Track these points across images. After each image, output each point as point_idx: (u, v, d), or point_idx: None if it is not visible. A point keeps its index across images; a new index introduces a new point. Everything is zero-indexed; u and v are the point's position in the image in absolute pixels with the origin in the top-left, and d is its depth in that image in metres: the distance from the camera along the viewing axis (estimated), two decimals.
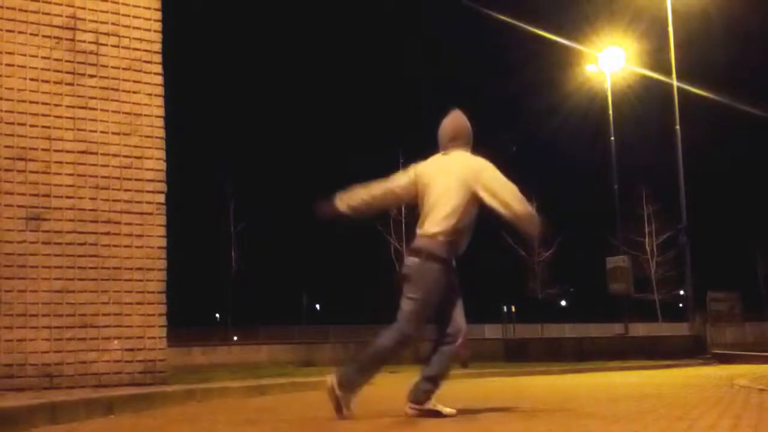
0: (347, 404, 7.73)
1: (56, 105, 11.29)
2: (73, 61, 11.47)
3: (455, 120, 8.45)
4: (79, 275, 11.16)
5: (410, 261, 8.06)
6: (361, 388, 7.90)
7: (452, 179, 8.04)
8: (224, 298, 71.92)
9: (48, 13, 11.40)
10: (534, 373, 21.56)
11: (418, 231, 8.11)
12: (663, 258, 70.95)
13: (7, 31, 11.13)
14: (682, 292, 58.38)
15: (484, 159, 8.20)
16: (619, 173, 48.75)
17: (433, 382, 8.00)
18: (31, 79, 11.18)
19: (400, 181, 8.43)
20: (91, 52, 11.60)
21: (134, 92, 11.80)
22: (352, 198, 8.46)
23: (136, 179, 11.66)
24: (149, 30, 12.06)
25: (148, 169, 11.76)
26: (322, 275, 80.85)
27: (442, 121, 8.48)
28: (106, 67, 11.67)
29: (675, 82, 40.41)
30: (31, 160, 11.03)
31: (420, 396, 7.96)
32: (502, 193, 7.97)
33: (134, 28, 11.93)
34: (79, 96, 11.43)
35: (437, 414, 7.84)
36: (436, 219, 7.97)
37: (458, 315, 8.11)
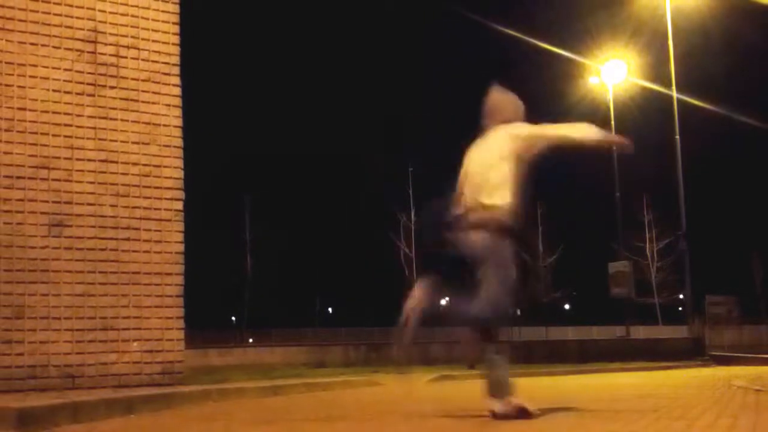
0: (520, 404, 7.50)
1: (78, 115, 11.30)
2: (94, 73, 11.49)
3: (489, 99, 8.16)
4: (100, 280, 11.17)
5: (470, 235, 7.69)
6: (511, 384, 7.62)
7: (493, 154, 7.81)
8: (240, 302, 72.06)
9: (70, 27, 11.42)
10: (538, 374, 21.49)
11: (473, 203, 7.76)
12: (663, 263, 70.93)
13: (31, 44, 11.15)
14: (681, 296, 58.28)
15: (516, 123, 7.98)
16: (621, 181, 48.65)
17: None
18: (54, 91, 11.20)
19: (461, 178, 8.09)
20: (111, 64, 11.61)
21: (153, 103, 11.82)
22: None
23: (155, 187, 11.67)
24: (168, 43, 12.07)
25: (166, 178, 11.77)
26: (334, 280, 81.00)
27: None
28: (126, 78, 11.69)
29: (675, 94, 40.37)
30: (53, 168, 11.04)
31: None
32: (558, 130, 7.94)
33: (153, 41, 11.94)
34: (100, 107, 11.45)
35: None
36: (492, 194, 7.68)
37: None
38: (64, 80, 11.29)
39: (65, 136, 11.18)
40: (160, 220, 11.67)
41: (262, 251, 70.55)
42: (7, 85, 10.96)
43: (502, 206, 7.63)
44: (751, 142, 77.81)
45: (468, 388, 14.10)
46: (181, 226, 11.85)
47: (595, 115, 57.75)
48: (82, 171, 11.21)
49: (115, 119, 11.53)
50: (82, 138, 11.28)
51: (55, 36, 11.32)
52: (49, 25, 11.29)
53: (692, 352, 32.21)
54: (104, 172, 11.35)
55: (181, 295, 11.74)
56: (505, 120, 8.03)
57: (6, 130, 10.85)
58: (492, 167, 7.74)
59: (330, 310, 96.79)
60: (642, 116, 61.25)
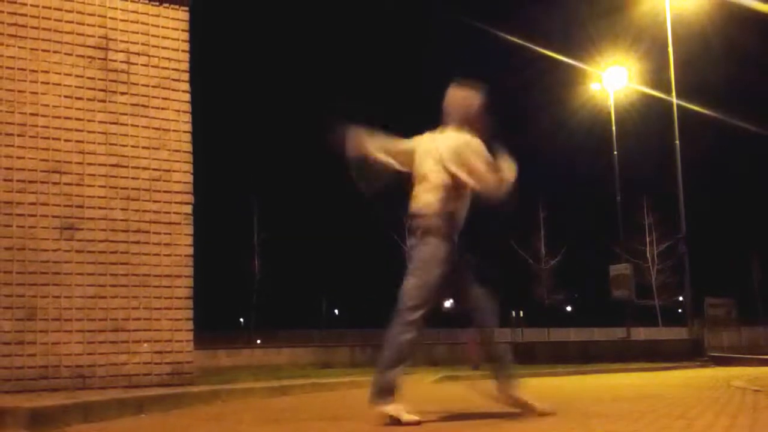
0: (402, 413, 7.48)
1: (89, 121, 11.31)
2: (105, 79, 11.49)
3: (448, 96, 8.11)
4: (111, 282, 11.17)
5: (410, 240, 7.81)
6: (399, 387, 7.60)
7: (433, 160, 7.82)
8: (248, 304, 72.11)
9: (81, 34, 11.43)
10: (541, 375, 21.48)
11: (411, 210, 7.89)
12: (663, 266, 70.87)
13: (43, 50, 11.16)
14: (681, 298, 58.28)
15: (467, 137, 7.85)
16: (621, 185, 48.66)
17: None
18: (66, 96, 11.20)
19: (406, 145, 8.14)
20: (122, 71, 11.62)
21: (163, 109, 11.82)
22: (377, 143, 8.10)
23: (165, 191, 11.67)
24: (177, 50, 12.07)
25: (176, 182, 11.77)
26: (340, 282, 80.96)
27: None
28: (137, 84, 11.69)
29: (674, 100, 40.37)
30: (65, 172, 11.04)
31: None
32: (480, 171, 7.66)
33: (163, 47, 11.95)
34: (110, 112, 11.45)
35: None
36: (423, 202, 7.78)
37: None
38: (76, 86, 11.30)
39: (77, 141, 11.18)
40: (170, 223, 11.67)
41: (269, 254, 70.68)
42: (19, 91, 10.97)
43: (429, 215, 7.69)
44: (749, 147, 77.91)
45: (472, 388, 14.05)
46: (190, 230, 11.85)
47: (597, 120, 57.98)
48: (93, 175, 11.22)
49: (126, 124, 11.54)
50: (93, 143, 11.29)
51: (66, 43, 11.33)
52: (60, 32, 11.31)
53: (692, 353, 32.18)
54: (115, 177, 11.36)
55: (191, 297, 11.74)
56: (457, 122, 8.00)
57: (18, 135, 10.86)
58: (431, 171, 7.79)
59: (336, 311, 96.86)
60: (642, 122, 61.43)
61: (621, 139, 52.48)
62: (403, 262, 65.74)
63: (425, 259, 7.73)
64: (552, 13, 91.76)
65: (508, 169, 7.83)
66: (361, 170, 8.03)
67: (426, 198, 7.80)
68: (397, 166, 8.15)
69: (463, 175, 7.68)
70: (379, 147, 8.13)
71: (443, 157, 7.77)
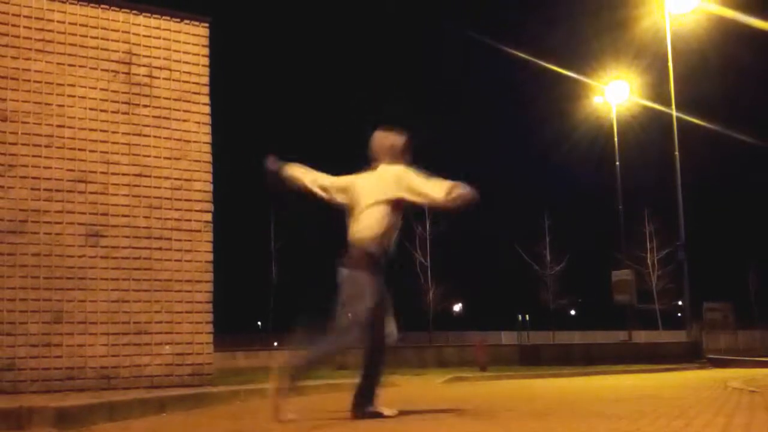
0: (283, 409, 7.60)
1: (113, 132, 11.32)
2: (128, 93, 11.51)
3: (374, 142, 8.13)
4: (134, 287, 11.18)
5: (342, 271, 7.85)
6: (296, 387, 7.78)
7: (375, 192, 7.82)
8: (265, 308, 72.02)
9: (106, 49, 11.45)
10: (546, 376, 21.48)
11: (349, 239, 7.91)
12: (663, 272, 70.58)
13: (69, 65, 11.18)
14: (680, 303, 58.07)
15: (401, 166, 7.91)
16: (623, 195, 48.56)
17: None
18: (91, 109, 11.22)
19: (338, 182, 8.18)
20: (145, 85, 11.64)
21: (184, 121, 11.83)
22: (298, 172, 8.28)
23: (186, 200, 11.68)
24: (198, 64, 12.09)
25: (196, 191, 11.78)
26: None
27: None
28: (159, 98, 11.71)
29: (674, 113, 40.28)
30: (90, 182, 11.06)
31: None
32: (425, 188, 7.68)
33: (184, 62, 11.97)
34: (134, 124, 11.47)
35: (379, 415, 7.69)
36: (362, 228, 7.78)
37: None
38: (101, 99, 11.32)
39: (101, 152, 11.20)
40: (191, 230, 11.68)
41: (286, 260, 70.62)
42: (46, 104, 10.99)
43: (367, 240, 7.71)
44: (745, 157, 77.83)
45: (478, 389, 14.06)
46: (210, 237, 11.86)
47: (600, 132, 57.92)
48: (117, 185, 11.24)
49: (148, 136, 11.56)
50: (117, 153, 11.31)
51: (92, 58, 11.35)
52: (86, 47, 11.33)
53: (690, 356, 32.11)
54: (138, 186, 11.38)
55: (211, 302, 11.75)
56: (389, 160, 8.01)
57: (46, 146, 10.89)
58: (370, 206, 7.76)
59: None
60: (643, 133, 61.28)
61: (623, 150, 52.35)
62: (414, 268, 65.74)
63: (355, 293, 7.86)
64: (557, 30, 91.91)
65: (456, 186, 7.79)
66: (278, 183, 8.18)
67: (364, 230, 7.78)
68: (320, 193, 8.24)
69: (411, 197, 7.72)
70: (312, 180, 8.25)
71: (387, 187, 7.79)
